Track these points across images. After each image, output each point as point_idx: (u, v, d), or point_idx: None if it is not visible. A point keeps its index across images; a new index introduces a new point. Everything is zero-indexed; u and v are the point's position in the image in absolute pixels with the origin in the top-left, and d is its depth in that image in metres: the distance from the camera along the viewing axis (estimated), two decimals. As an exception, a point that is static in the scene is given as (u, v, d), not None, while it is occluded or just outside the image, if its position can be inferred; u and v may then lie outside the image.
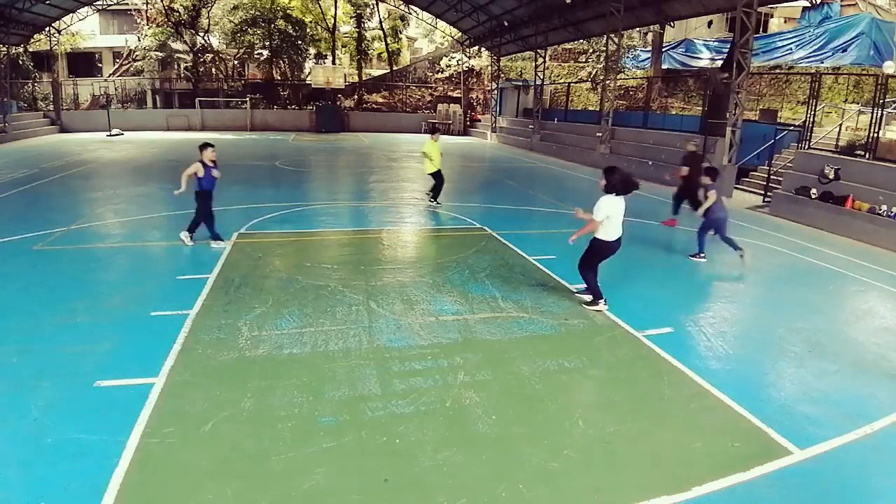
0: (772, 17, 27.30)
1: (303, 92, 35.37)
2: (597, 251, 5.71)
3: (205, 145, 7.47)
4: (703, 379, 4.42)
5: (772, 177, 13.52)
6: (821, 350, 5.12)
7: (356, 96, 36.24)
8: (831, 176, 10.85)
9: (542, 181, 15.86)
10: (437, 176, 10.80)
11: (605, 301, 5.78)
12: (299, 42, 34.80)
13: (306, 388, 4.05)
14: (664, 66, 27.16)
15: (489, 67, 33.69)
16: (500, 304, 5.84)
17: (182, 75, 34.32)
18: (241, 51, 34.87)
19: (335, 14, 35.11)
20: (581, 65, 32.68)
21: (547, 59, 26.64)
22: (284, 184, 14.02)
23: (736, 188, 14.38)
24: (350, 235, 8.83)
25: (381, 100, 37.22)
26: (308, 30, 35.37)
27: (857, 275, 7.64)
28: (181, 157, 18.43)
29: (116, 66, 35.84)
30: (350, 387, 4.10)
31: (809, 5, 21.94)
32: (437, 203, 11.06)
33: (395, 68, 38.76)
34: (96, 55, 37.24)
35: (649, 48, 28.58)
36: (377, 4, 35.63)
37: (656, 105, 25.85)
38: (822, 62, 20.21)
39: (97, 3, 27.63)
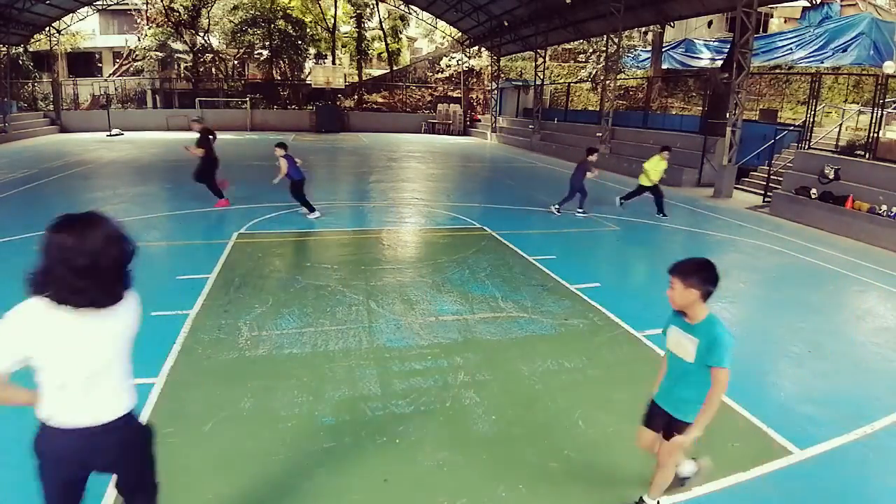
0: (772, 17, 27.31)
1: (303, 92, 35.36)
2: None
3: (281, 144, 9.61)
4: (703, 379, 4.41)
5: (772, 177, 13.52)
6: (821, 350, 5.12)
7: (356, 96, 36.23)
8: (831, 176, 10.85)
9: (543, 181, 15.86)
10: (650, 189, 10.62)
11: None
12: (299, 42, 34.80)
13: (306, 388, 4.05)
14: (664, 66, 27.17)
15: (489, 67, 33.69)
16: (500, 304, 5.84)
17: (182, 75, 34.32)
18: (241, 51, 34.88)
19: (335, 14, 35.10)
20: (581, 65, 32.68)
21: (547, 59, 26.64)
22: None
23: (736, 188, 14.38)
24: (350, 235, 8.83)
25: (380, 100, 37.22)
26: (308, 30, 35.37)
27: (857, 275, 7.64)
28: (181, 158, 18.43)
29: (116, 66, 35.83)
30: (350, 387, 4.10)
31: (809, 5, 21.96)
32: (623, 204, 11.08)
33: (395, 68, 38.76)
34: (96, 55, 37.24)
35: (649, 48, 28.58)
36: (377, 4, 35.62)
37: (656, 105, 25.86)
38: (822, 62, 20.22)
39: (97, 3, 27.62)
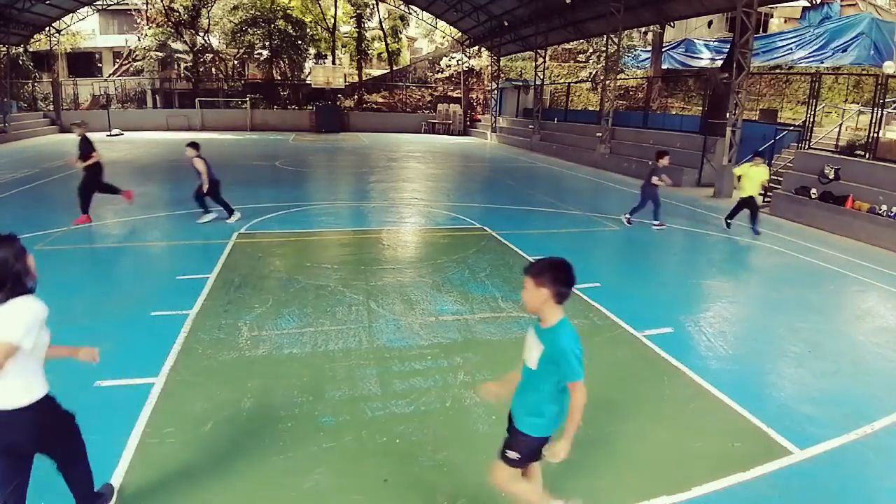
0: (772, 17, 27.32)
1: (303, 92, 35.37)
2: None
3: (193, 144, 8.57)
4: (703, 379, 4.42)
5: (772, 177, 13.51)
6: (821, 350, 5.12)
7: (356, 96, 36.24)
8: (831, 176, 10.85)
9: (542, 181, 15.86)
10: (745, 202, 9.46)
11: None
12: (299, 42, 34.81)
13: (306, 388, 4.05)
14: (664, 66, 27.17)
15: (489, 67, 33.70)
16: (500, 304, 5.84)
17: (182, 75, 34.32)
18: (241, 51, 34.88)
19: (335, 14, 35.11)
20: (581, 65, 32.68)
21: (547, 59, 26.65)
22: (284, 184, 14.03)
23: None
24: (350, 235, 8.83)
25: (381, 100, 37.22)
26: (308, 30, 35.39)
27: (857, 275, 7.64)
28: (181, 158, 18.43)
29: (116, 66, 35.84)
30: (350, 387, 4.10)
31: (809, 5, 21.97)
32: (729, 224, 9.77)
33: (395, 68, 38.77)
34: (96, 55, 37.24)
35: (649, 48, 28.58)
36: (377, 4, 35.63)
37: (656, 105, 25.86)
38: (822, 62, 20.22)
39: (97, 3, 27.63)
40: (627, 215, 9.99)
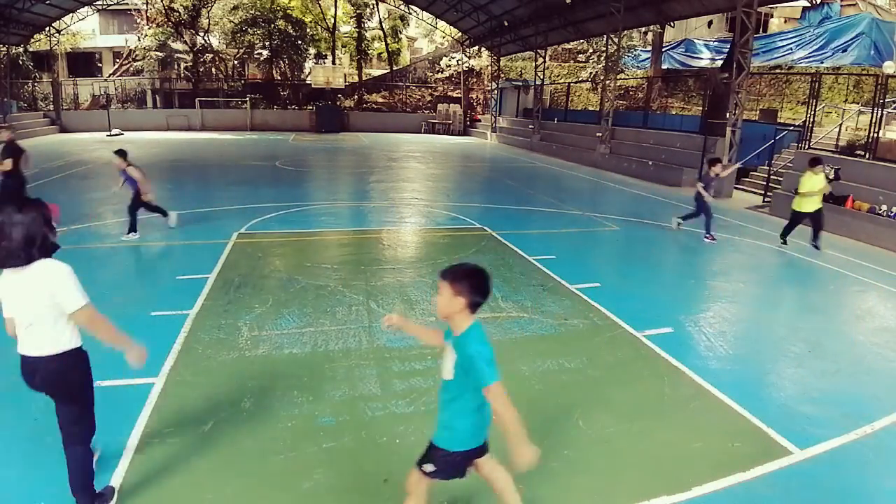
0: (772, 17, 27.32)
1: (303, 92, 35.38)
2: None
3: (120, 152, 7.97)
4: (703, 379, 4.42)
5: (772, 177, 13.52)
6: (821, 350, 5.12)
7: (356, 96, 36.25)
8: (831, 176, 10.80)
9: (542, 181, 15.87)
10: (809, 215, 8.51)
11: None
12: (299, 42, 34.83)
13: (306, 388, 4.05)
14: (664, 66, 27.17)
15: (489, 67, 33.70)
16: (500, 304, 5.84)
17: (182, 75, 34.33)
18: (241, 51, 34.89)
19: (335, 14, 35.11)
20: (581, 65, 32.69)
21: (547, 59, 26.65)
22: (284, 184, 14.02)
23: (736, 188, 14.38)
24: (350, 235, 8.83)
25: (381, 100, 37.23)
26: (308, 30, 35.41)
27: (857, 275, 7.64)
28: (181, 158, 18.45)
29: (116, 66, 35.85)
30: (350, 387, 4.10)
31: (809, 5, 21.96)
32: (818, 247, 8.57)
33: (395, 68, 38.77)
34: (96, 55, 37.25)
35: (649, 48, 28.58)
36: (377, 4, 35.63)
37: (656, 105, 25.86)
38: (822, 62, 20.21)
39: (97, 3, 27.65)
40: (679, 220, 9.61)
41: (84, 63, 36.22)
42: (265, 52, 34.86)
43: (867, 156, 11.26)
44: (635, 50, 30.02)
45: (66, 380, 2.66)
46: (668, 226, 9.95)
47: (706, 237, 9.07)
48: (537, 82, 25.82)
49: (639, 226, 9.95)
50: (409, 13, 34.79)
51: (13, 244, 2.42)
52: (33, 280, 2.47)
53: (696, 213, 9.25)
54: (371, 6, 36.16)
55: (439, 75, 38.81)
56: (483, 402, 2.29)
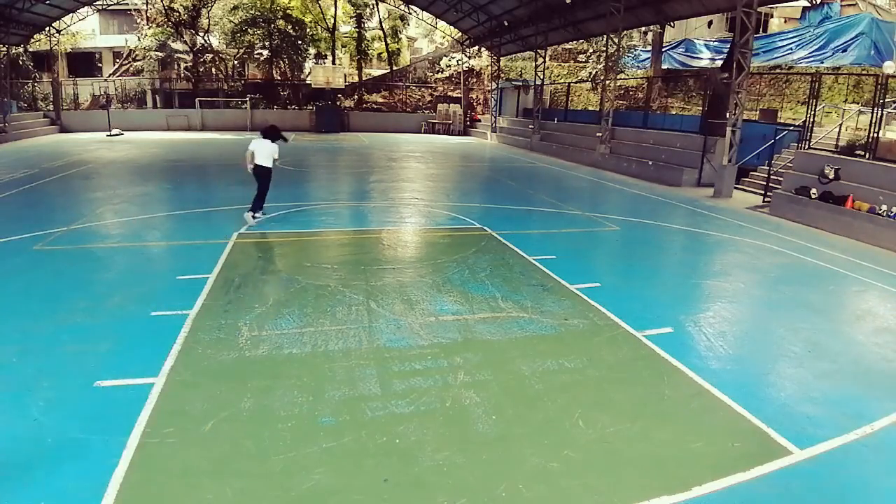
0: (772, 17, 27.32)
1: (303, 92, 35.36)
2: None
3: None
4: (703, 379, 4.42)
5: (772, 177, 13.51)
6: (821, 350, 5.12)
7: (356, 96, 36.23)
8: (831, 176, 10.85)
9: (542, 181, 15.86)
10: None
11: None
12: (299, 42, 34.81)
13: (306, 388, 4.05)
14: (664, 66, 27.17)
15: (489, 67, 33.69)
16: (500, 304, 5.84)
17: (182, 75, 34.32)
18: (241, 51, 34.86)
19: (335, 14, 35.09)
20: (581, 65, 32.67)
21: (547, 59, 26.63)
22: (284, 184, 14.00)
23: (736, 188, 14.37)
24: (350, 235, 8.83)
25: (381, 100, 37.22)
26: (308, 30, 35.37)
27: (857, 275, 7.63)
28: (181, 158, 18.44)
29: (116, 66, 35.83)
30: (350, 387, 4.10)
31: (809, 5, 21.96)
32: None
33: (395, 68, 38.75)
34: (96, 55, 37.22)
35: (649, 48, 28.59)
36: (377, 4, 35.62)
37: (656, 105, 25.85)
38: (822, 62, 20.22)
39: (97, 3, 27.64)
40: None
41: (84, 63, 36.19)
42: (265, 52, 34.84)
43: (867, 156, 11.25)
44: (635, 50, 30.03)
45: None
46: (668, 226, 9.94)
47: None
48: (537, 82, 25.82)
49: (639, 226, 9.95)
50: (409, 13, 34.77)
51: None
52: None
53: None
54: (371, 6, 36.15)
55: (439, 75, 38.80)
56: None
